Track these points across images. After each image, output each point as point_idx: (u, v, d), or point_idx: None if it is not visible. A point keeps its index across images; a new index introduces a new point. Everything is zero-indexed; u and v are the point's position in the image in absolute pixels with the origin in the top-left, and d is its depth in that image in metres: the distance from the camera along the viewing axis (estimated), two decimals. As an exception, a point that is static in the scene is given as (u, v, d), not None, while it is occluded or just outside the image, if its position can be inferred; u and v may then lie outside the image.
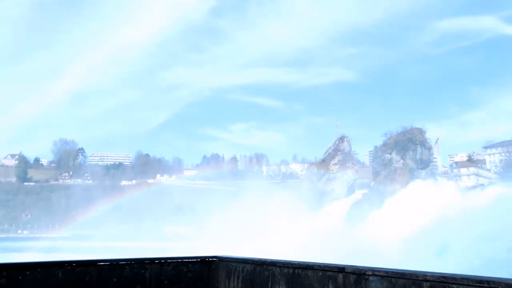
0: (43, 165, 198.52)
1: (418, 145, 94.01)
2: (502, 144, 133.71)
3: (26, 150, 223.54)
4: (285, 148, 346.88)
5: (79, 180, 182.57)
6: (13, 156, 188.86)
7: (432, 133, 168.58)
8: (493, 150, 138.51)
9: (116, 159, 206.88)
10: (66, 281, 7.29)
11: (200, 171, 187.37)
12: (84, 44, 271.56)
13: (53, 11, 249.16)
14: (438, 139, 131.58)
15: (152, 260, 8.27)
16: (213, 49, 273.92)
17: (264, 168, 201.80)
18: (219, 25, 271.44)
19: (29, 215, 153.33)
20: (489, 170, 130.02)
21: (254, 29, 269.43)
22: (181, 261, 8.52)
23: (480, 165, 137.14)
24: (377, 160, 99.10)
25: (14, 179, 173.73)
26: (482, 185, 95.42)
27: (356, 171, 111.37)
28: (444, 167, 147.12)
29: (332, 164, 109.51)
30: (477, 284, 4.07)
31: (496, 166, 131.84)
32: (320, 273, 6.10)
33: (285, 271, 6.80)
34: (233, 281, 8.08)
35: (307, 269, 6.37)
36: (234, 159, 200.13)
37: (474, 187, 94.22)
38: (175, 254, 8.96)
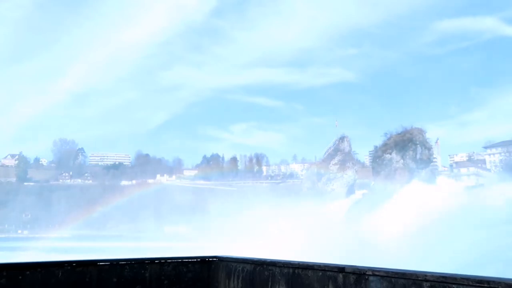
0: (43, 165, 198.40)
1: (418, 145, 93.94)
2: (502, 144, 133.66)
3: (26, 150, 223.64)
4: (285, 148, 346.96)
5: (79, 180, 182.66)
6: (13, 156, 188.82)
7: (432, 133, 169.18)
8: (493, 150, 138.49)
9: (116, 159, 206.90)
10: (66, 281, 7.29)
11: (200, 171, 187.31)
12: (84, 44, 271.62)
13: (53, 11, 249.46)
14: (438, 139, 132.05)
15: (152, 260, 8.26)
16: (213, 49, 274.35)
17: (264, 168, 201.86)
18: (219, 25, 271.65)
19: (29, 215, 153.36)
20: (489, 170, 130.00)
21: (254, 29, 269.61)
22: (181, 261, 8.51)
23: (480, 165, 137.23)
24: (377, 160, 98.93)
25: (14, 179, 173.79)
26: (482, 185, 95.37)
27: (356, 171, 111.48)
28: (444, 167, 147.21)
29: (332, 164, 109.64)
30: (477, 284, 4.07)
31: (496, 166, 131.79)
32: (320, 273, 6.10)
33: (285, 271, 6.80)
34: (233, 281, 8.07)
35: (307, 269, 6.36)
36: (234, 159, 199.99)
37: (474, 187, 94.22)
38: (175, 254, 8.95)
